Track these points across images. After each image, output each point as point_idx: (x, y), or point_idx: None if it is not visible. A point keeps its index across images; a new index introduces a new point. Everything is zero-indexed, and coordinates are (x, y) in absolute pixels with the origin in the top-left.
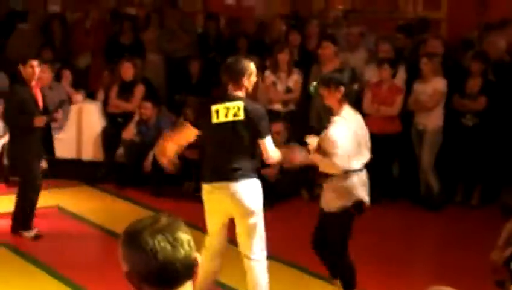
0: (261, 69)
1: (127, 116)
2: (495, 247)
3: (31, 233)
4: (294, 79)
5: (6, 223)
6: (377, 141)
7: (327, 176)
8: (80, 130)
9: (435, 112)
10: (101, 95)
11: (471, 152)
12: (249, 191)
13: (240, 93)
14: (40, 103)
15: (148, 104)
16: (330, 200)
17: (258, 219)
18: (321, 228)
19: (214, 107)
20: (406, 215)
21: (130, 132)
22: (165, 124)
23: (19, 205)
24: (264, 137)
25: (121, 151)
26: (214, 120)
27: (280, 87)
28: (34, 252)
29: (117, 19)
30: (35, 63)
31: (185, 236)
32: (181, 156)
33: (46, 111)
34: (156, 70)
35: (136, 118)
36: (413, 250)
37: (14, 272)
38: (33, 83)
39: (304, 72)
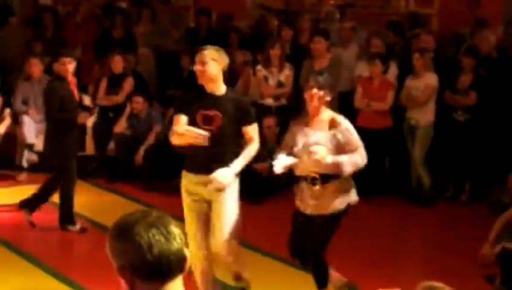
0: (252, 64)
1: (118, 111)
2: (485, 242)
3: (76, 226)
4: (286, 74)
5: None
6: (368, 136)
7: (327, 179)
8: None
9: (427, 108)
10: (91, 88)
11: (462, 148)
12: None
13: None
14: (77, 99)
15: (140, 98)
16: (330, 203)
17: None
18: (303, 234)
19: None
20: (396, 210)
21: (121, 126)
22: (156, 118)
23: (63, 202)
24: None
25: (112, 145)
26: None
27: (272, 81)
28: (22, 244)
29: (109, 12)
30: (67, 59)
31: (176, 230)
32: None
33: (81, 107)
34: (147, 65)
35: (127, 111)
36: (404, 246)
37: (2, 264)
38: (69, 79)
39: (295, 66)
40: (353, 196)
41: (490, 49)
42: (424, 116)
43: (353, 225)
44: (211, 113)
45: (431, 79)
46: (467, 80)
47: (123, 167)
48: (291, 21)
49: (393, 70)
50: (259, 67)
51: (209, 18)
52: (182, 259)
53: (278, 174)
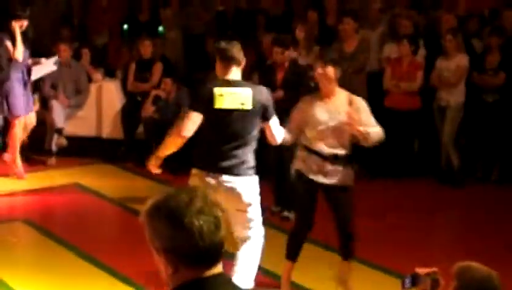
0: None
1: (147, 95)
2: None
3: None
4: (315, 56)
5: (25, 200)
6: (397, 117)
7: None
8: (100, 108)
9: (458, 88)
10: (120, 73)
11: (491, 128)
12: None
13: None
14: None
15: (168, 80)
16: (347, 175)
17: None
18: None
19: None
20: (427, 191)
21: (148, 110)
22: (184, 101)
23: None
24: None
25: (141, 129)
26: None
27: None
28: (52, 228)
29: None
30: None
31: (220, 213)
32: None
33: None
34: (174, 48)
35: (152, 95)
36: (435, 227)
37: (33, 246)
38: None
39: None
40: None
41: None
42: (454, 97)
43: (384, 207)
44: None
45: (462, 60)
46: (494, 60)
47: (152, 151)
48: (318, 2)
49: (421, 51)
50: None
51: (237, 0)
52: (224, 245)
53: None
